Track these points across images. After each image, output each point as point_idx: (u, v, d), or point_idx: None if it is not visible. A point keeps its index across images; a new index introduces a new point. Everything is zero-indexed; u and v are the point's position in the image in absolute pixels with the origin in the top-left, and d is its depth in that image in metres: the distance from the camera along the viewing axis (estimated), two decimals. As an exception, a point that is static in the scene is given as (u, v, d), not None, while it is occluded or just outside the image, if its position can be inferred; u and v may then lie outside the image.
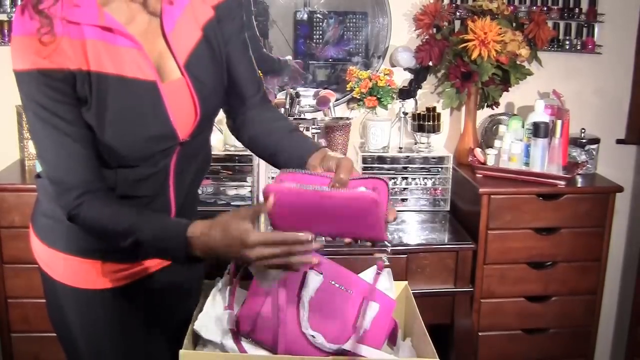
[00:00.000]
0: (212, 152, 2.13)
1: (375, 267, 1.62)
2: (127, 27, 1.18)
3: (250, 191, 2.30)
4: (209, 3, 1.27)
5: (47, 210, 1.35)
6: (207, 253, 1.12)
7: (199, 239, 1.12)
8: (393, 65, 2.52)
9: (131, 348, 1.44)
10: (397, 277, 1.62)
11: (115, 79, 1.17)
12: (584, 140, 2.50)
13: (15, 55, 1.13)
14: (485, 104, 2.48)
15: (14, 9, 2.34)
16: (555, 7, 2.54)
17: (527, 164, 2.30)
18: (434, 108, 2.42)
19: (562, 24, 2.59)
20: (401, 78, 2.52)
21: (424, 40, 2.46)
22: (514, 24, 2.41)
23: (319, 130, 2.28)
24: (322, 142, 2.46)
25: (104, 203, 1.20)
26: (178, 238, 1.13)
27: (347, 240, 1.12)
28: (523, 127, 2.35)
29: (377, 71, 2.48)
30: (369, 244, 1.17)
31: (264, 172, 2.32)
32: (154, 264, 1.44)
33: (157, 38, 1.22)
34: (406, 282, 1.65)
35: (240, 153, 2.31)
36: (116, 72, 1.16)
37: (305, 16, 2.50)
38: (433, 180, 2.39)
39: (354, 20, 2.53)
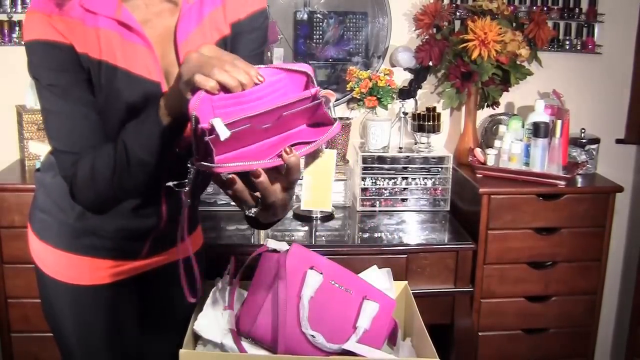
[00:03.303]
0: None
1: (375, 266, 1.62)
2: (142, 27, 1.19)
3: (250, 191, 2.30)
4: (228, 20, 1.26)
5: (43, 205, 1.37)
6: (172, 90, 1.02)
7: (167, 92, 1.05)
8: (393, 65, 2.52)
9: (124, 345, 1.44)
10: (397, 277, 1.63)
11: (122, 72, 1.18)
12: (584, 140, 2.50)
13: (26, 27, 1.16)
14: (485, 104, 2.48)
15: (14, 9, 2.34)
16: (555, 7, 2.54)
17: (527, 164, 2.30)
18: (434, 108, 2.42)
19: (562, 24, 2.59)
20: (401, 78, 2.52)
21: (424, 40, 2.46)
22: (514, 24, 2.41)
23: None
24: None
25: (94, 163, 1.16)
26: (155, 108, 1.07)
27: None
28: (523, 127, 2.35)
29: (377, 71, 2.48)
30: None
31: (264, 172, 2.32)
32: (147, 263, 1.44)
33: (169, 46, 1.23)
34: (406, 282, 1.66)
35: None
36: (125, 66, 1.18)
37: (305, 16, 2.50)
38: (433, 180, 2.39)
39: (354, 20, 2.53)
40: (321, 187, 1.26)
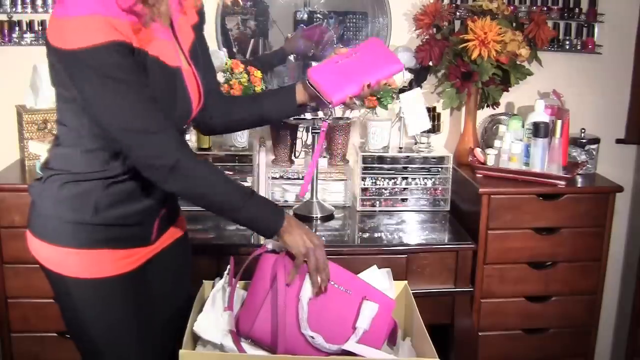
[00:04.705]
0: (212, 152, 2.22)
1: (375, 266, 1.62)
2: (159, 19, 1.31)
3: (250, 191, 2.30)
4: (195, 9, 1.46)
5: (54, 212, 1.36)
6: (291, 227, 1.40)
7: (290, 217, 1.41)
8: (393, 65, 2.52)
9: (146, 329, 1.46)
10: (397, 277, 1.63)
11: (154, 61, 1.29)
12: (584, 140, 2.50)
13: (80, 32, 1.18)
14: (486, 104, 2.48)
15: (14, 9, 2.34)
16: (556, 7, 2.54)
17: (527, 164, 2.30)
18: (434, 108, 2.42)
19: (562, 24, 2.59)
20: (401, 78, 2.52)
21: (424, 40, 2.46)
22: (514, 24, 2.41)
23: (319, 131, 2.28)
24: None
25: (201, 162, 1.33)
26: (276, 209, 1.41)
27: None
28: (523, 127, 2.35)
29: (377, 71, 2.48)
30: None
31: (263, 172, 2.32)
32: (155, 247, 1.48)
33: (170, 33, 1.37)
34: (406, 282, 1.66)
35: (240, 153, 2.31)
36: (155, 54, 1.28)
37: (306, 16, 2.50)
38: (433, 180, 2.39)
39: (354, 20, 2.53)
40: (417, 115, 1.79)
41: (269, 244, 1.47)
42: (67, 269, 1.37)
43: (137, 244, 1.43)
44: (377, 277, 1.59)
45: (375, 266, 1.61)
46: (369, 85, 1.46)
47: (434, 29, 2.45)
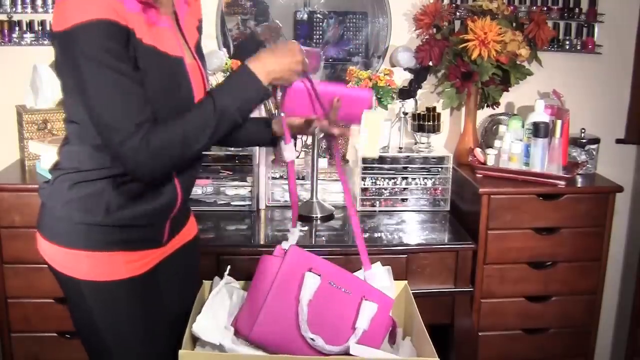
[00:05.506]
0: (212, 152, 2.21)
1: (378, 263, 1.62)
2: (162, 9, 1.32)
3: (250, 191, 2.30)
4: (196, 16, 1.49)
5: (65, 214, 1.35)
6: (265, 68, 1.35)
7: (252, 63, 1.34)
8: (393, 65, 2.52)
9: (153, 330, 1.45)
10: (397, 277, 1.63)
11: (150, 50, 1.27)
12: (583, 140, 2.50)
13: (78, 9, 1.17)
14: (486, 104, 2.48)
15: (14, 9, 2.34)
16: (556, 7, 2.55)
17: (527, 164, 2.30)
18: (434, 108, 2.42)
19: (562, 24, 2.59)
20: (401, 78, 2.52)
21: (424, 40, 2.46)
22: (514, 24, 2.41)
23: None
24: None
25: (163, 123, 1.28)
26: (241, 79, 1.34)
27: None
28: (523, 127, 2.35)
29: (377, 71, 2.48)
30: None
31: (263, 172, 2.32)
32: (166, 249, 1.47)
33: (176, 27, 1.39)
34: (406, 282, 1.66)
35: (240, 153, 2.31)
36: (151, 43, 1.27)
37: (305, 16, 2.50)
38: (433, 180, 2.39)
39: (354, 20, 2.53)
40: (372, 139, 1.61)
41: (284, 245, 1.46)
42: (78, 271, 1.36)
43: (148, 246, 1.42)
44: (378, 274, 1.58)
45: (379, 263, 1.61)
46: (338, 100, 1.50)
47: (434, 29, 2.45)
